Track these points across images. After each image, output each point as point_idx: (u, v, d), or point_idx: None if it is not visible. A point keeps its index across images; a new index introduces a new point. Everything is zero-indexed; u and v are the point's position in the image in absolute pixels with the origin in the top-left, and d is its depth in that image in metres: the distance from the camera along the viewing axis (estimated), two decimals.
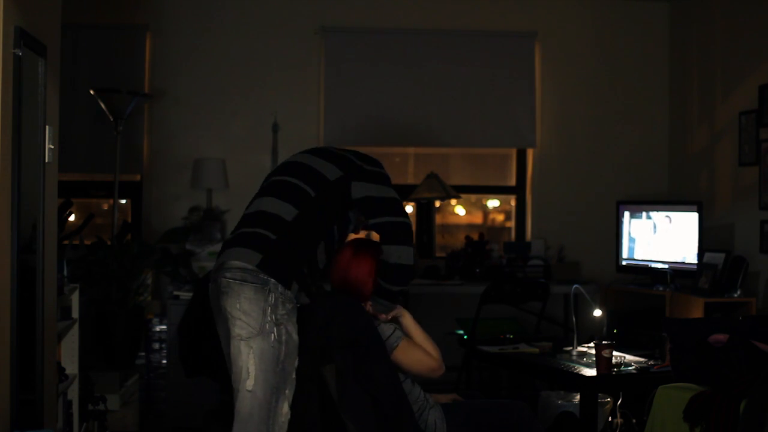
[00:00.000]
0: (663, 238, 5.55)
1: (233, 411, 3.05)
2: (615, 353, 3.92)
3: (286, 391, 3.00)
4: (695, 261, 5.27)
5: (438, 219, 6.45)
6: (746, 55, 5.53)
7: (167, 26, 6.15)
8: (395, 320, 3.33)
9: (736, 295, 4.93)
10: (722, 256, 5.06)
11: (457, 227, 6.75)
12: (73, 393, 4.35)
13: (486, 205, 6.82)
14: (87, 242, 5.47)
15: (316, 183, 3.17)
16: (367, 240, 3.36)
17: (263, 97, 6.20)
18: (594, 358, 3.90)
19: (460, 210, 6.74)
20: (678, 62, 6.39)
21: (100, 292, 5.43)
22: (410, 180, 6.46)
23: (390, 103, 6.27)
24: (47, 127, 3.56)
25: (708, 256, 5.15)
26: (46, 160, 3.57)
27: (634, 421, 4.49)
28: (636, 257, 5.71)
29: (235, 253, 3.05)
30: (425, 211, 6.26)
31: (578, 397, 3.94)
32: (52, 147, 3.64)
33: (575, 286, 4.47)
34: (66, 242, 4.76)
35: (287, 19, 6.24)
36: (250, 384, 2.95)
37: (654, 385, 3.78)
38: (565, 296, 6.00)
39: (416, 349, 3.26)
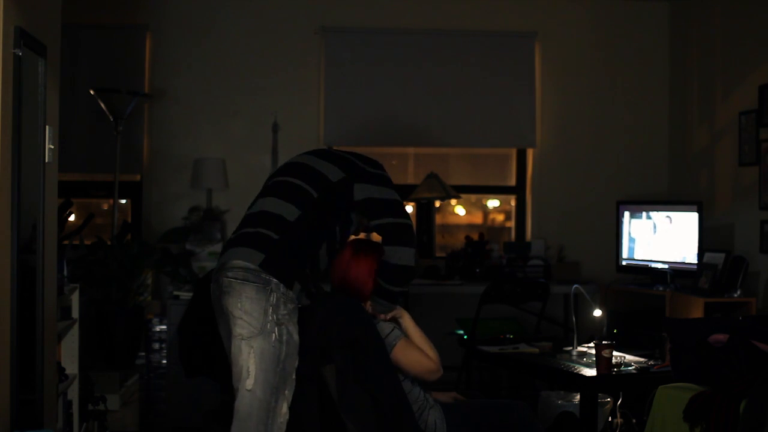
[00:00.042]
0: (663, 238, 5.55)
1: (233, 411, 3.05)
2: (615, 353, 3.92)
3: (286, 392, 3.00)
4: (695, 261, 5.27)
5: (438, 219, 6.45)
6: (746, 55, 5.53)
7: (167, 26, 6.15)
8: (394, 321, 3.34)
9: (736, 295, 4.93)
10: (722, 256, 5.06)
11: (457, 227, 6.75)
12: (73, 393, 4.35)
13: (486, 205, 6.82)
14: (87, 242, 5.47)
15: (319, 184, 3.18)
16: (367, 241, 3.37)
17: (263, 97, 6.20)
18: (594, 358, 3.90)
19: (460, 210, 6.74)
20: (678, 62, 6.39)
21: (100, 292, 5.43)
22: (410, 180, 6.45)
23: (390, 103, 6.27)
24: (47, 127, 3.56)
25: (708, 256, 5.15)
26: (46, 160, 3.57)
27: (634, 421, 4.49)
28: (636, 257, 5.71)
29: (237, 253, 3.06)
30: (425, 211, 6.26)
31: (578, 397, 3.94)
32: (52, 147, 3.64)
33: (575, 286, 4.47)
34: (66, 242, 4.75)
35: (287, 19, 6.24)
36: (249, 383, 2.96)
37: (654, 385, 3.78)
38: (565, 296, 6.00)
39: (415, 349, 3.27)
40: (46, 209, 3.59)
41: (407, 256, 3.22)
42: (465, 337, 5.22)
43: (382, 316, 3.32)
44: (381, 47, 6.28)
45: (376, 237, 3.32)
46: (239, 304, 2.99)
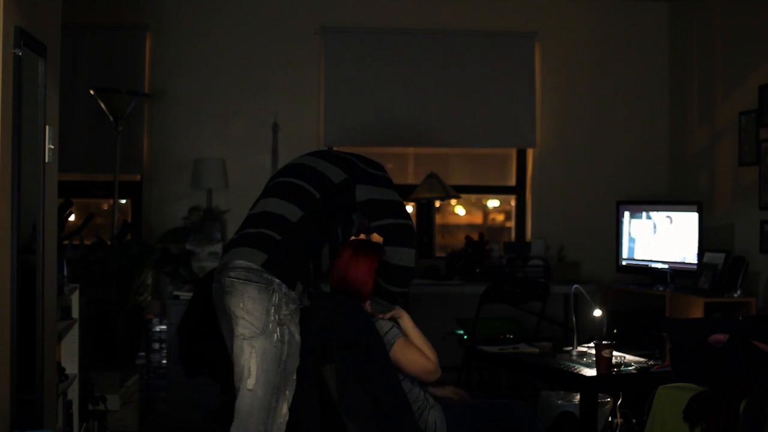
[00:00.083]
0: (663, 238, 5.55)
1: (233, 411, 3.05)
2: (615, 353, 3.92)
3: (287, 392, 3.01)
4: (695, 261, 5.27)
5: (438, 219, 6.45)
6: (746, 55, 5.53)
7: (167, 26, 6.15)
8: (393, 321, 3.34)
9: (736, 295, 4.93)
10: (722, 256, 5.06)
11: (457, 227, 6.75)
12: (73, 393, 4.35)
13: (486, 205, 6.82)
14: (87, 242, 5.47)
15: (321, 185, 3.19)
16: (367, 241, 3.38)
17: (263, 97, 6.19)
18: (594, 358, 3.90)
19: (460, 210, 6.74)
20: (678, 62, 6.39)
21: (100, 292, 5.43)
22: (410, 180, 6.45)
23: (390, 103, 6.27)
24: (47, 127, 3.56)
25: (708, 256, 5.14)
26: (46, 160, 3.57)
27: (634, 421, 4.49)
28: (636, 257, 5.71)
29: (239, 253, 3.06)
30: (425, 211, 6.26)
31: (578, 397, 3.94)
32: (52, 147, 3.64)
33: (575, 286, 4.47)
34: (66, 242, 4.75)
35: (287, 19, 6.24)
36: (251, 383, 2.97)
37: (654, 385, 3.78)
38: (565, 296, 6.00)
39: (413, 349, 3.27)
40: (46, 209, 3.59)
41: (408, 257, 3.23)
42: (465, 337, 5.22)
43: (381, 316, 3.32)
44: (381, 47, 6.28)
45: (376, 237, 3.32)
46: (241, 304, 3.00)
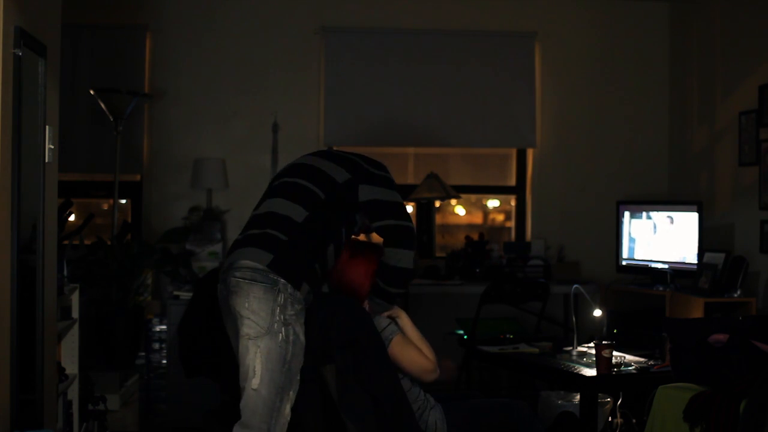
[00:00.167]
0: (663, 238, 5.55)
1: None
2: (615, 353, 3.92)
3: (290, 393, 3.02)
4: (695, 261, 5.27)
5: (438, 219, 6.45)
6: (746, 55, 5.53)
7: (167, 26, 6.15)
8: (392, 320, 3.34)
9: (736, 295, 4.93)
10: (722, 256, 5.06)
11: (457, 227, 6.75)
12: (73, 393, 4.35)
13: (486, 205, 6.82)
14: (87, 242, 5.47)
15: (325, 185, 3.19)
16: (364, 242, 3.38)
17: (263, 97, 6.19)
18: (594, 358, 3.90)
19: (460, 210, 6.74)
20: (678, 62, 6.39)
21: (100, 292, 5.43)
22: (410, 180, 6.45)
23: (390, 103, 6.26)
24: (47, 127, 3.56)
25: (708, 256, 5.14)
26: (46, 160, 3.57)
27: (634, 421, 4.49)
28: (636, 257, 5.71)
29: (245, 253, 3.06)
30: (425, 211, 6.26)
31: (578, 397, 3.94)
32: (52, 147, 3.64)
33: (575, 286, 4.47)
34: (66, 242, 4.75)
35: (287, 19, 6.24)
36: (255, 383, 2.97)
37: (654, 385, 3.78)
38: (565, 296, 6.00)
39: (412, 347, 3.27)
40: (46, 209, 3.59)
41: (407, 259, 3.24)
42: (465, 337, 5.22)
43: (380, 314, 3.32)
44: (381, 47, 6.28)
45: (376, 238, 3.33)
46: (246, 304, 3.00)
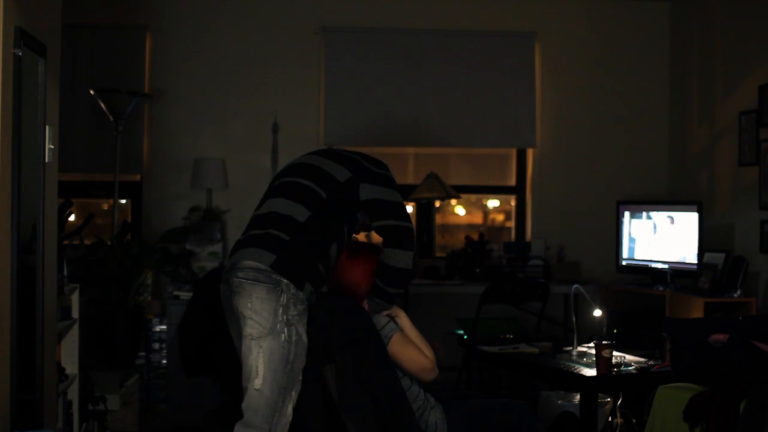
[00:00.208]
0: (663, 238, 5.55)
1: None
2: (615, 353, 3.92)
3: (293, 393, 3.02)
4: (695, 261, 5.27)
5: (438, 219, 6.45)
6: (746, 55, 5.53)
7: (167, 26, 6.15)
8: (391, 319, 3.34)
9: (736, 295, 4.93)
10: (722, 256, 5.06)
11: (457, 227, 6.75)
12: (73, 393, 4.35)
13: (486, 205, 6.82)
14: (87, 242, 5.47)
15: (327, 185, 3.19)
16: (363, 243, 3.38)
17: (263, 97, 6.20)
18: (594, 358, 3.90)
19: (460, 210, 6.74)
20: (678, 62, 6.39)
21: (100, 292, 5.43)
22: (410, 180, 6.45)
23: (390, 103, 6.26)
24: (47, 127, 3.56)
25: (708, 256, 5.14)
26: (46, 160, 3.57)
27: (634, 421, 4.49)
28: (636, 257, 5.71)
29: (248, 254, 3.06)
30: (425, 211, 6.26)
31: (578, 397, 3.94)
32: (52, 147, 3.64)
33: (575, 286, 4.47)
34: (66, 242, 4.75)
35: (287, 19, 6.24)
36: (258, 383, 2.97)
37: (654, 385, 3.78)
38: (565, 296, 6.00)
39: (411, 345, 3.26)
40: (46, 209, 3.59)
41: (405, 260, 3.23)
42: (465, 337, 5.22)
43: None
44: (381, 47, 6.28)
45: (376, 237, 3.33)
46: (249, 304, 3.00)
